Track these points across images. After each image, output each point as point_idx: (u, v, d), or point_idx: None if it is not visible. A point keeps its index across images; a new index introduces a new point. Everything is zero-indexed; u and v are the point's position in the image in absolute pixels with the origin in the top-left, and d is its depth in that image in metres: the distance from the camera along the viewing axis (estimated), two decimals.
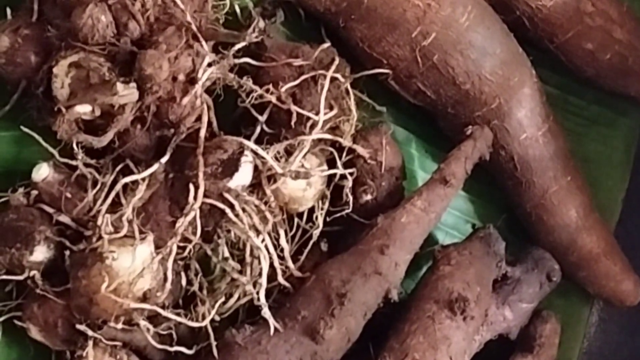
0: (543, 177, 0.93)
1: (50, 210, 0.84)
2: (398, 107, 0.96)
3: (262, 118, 0.86)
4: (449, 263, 0.87)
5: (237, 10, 0.91)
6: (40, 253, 0.82)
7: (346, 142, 0.87)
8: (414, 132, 0.98)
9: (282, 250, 0.84)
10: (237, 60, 0.85)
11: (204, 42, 0.82)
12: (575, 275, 0.96)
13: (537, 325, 0.92)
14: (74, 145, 0.81)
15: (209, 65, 0.82)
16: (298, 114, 0.85)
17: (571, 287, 0.97)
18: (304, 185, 0.85)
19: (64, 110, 0.79)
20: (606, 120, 1.00)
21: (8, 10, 0.85)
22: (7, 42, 0.83)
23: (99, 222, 0.80)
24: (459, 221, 0.98)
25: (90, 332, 0.80)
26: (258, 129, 0.86)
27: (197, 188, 0.80)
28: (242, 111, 0.87)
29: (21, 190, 0.85)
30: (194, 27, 0.82)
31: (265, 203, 0.83)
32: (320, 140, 0.86)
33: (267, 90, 0.85)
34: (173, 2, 0.81)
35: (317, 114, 0.85)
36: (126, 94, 0.78)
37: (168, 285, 0.80)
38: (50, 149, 0.84)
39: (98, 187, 0.83)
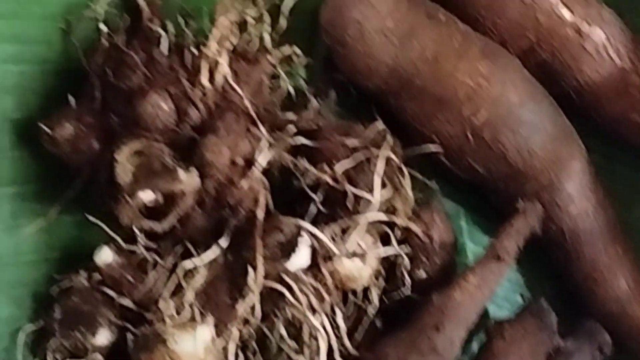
0: (593, 249, 0.93)
1: (112, 293, 0.84)
2: (446, 180, 0.97)
3: (318, 198, 0.86)
4: (503, 339, 0.88)
5: (291, 90, 0.92)
6: (104, 336, 0.83)
7: (401, 221, 0.88)
8: (462, 205, 0.99)
9: (338, 329, 0.85)
10: (292, 142, 0.86)
11: (261, 127, 0.84)
12: (626, 345, 0.95)
13: None
14: (135, 230, 0.82)
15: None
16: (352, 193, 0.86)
17: (621, 356, 0.96)
18: (360, 265, 0.85)
19: (127, 197, 0.80)
20: None
21: (71, 99, 0.87)
22: (71, 130, 0.84)
23: (160, 306, 0.81)
24: (508, 292, 0.98)
25: None
26: (314, 210, 0.86)
27: (255, 271, 0.81)
28: (297, 189, 0.88)
29: (83, 273, 0.86)
30: (252, 112, 0.83)
31: (322, 283, 0.84)
32: None
33: (322, 171, 0.86)
34: (232, 88, 0.83)
35: (370, 191, 0.86)
36: (188, 180, 0.80)
37: None
38: (113, 235, 0.85)
39: (159, 270, 0.84)
